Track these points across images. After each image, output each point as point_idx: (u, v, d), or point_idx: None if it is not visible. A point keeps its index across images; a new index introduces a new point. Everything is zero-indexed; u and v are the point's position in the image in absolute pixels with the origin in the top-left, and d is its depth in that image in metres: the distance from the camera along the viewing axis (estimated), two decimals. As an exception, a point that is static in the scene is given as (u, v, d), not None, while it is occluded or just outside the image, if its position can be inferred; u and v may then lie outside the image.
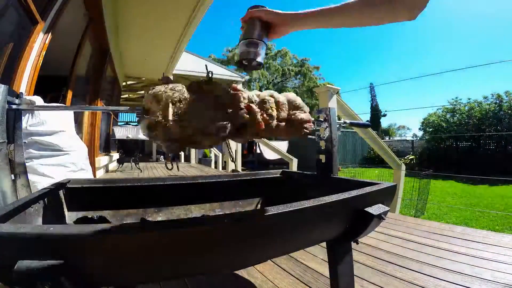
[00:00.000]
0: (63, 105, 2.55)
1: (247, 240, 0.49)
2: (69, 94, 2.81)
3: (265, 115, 0.68)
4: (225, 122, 0.59)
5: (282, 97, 0.74)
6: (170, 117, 0.52)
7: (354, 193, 0.62)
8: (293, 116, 0.74)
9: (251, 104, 0.65)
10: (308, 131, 0.78)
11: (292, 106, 0.76)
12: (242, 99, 0.64)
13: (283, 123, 0.72)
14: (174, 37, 4.47)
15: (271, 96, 0.72)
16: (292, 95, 0.78)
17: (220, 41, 62.28)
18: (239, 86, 0.66)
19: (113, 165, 5.65)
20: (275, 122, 0.70)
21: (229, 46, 24.41)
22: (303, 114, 0.77)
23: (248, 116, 0.64)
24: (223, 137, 0.61)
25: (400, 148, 14.90)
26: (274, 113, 0.70)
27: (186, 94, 0.57)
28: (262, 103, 0.68)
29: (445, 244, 1.39)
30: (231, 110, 0.61)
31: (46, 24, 1.85)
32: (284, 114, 0.73)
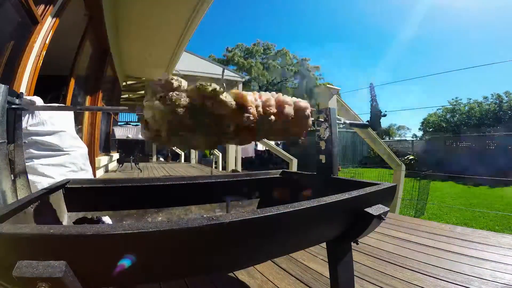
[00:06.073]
0: (63, 105, 2.55)
1: (247, 240, 0.49)
2: (69, 94, 2.81)
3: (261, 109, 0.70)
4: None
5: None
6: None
7: (354, 193, 0.61)
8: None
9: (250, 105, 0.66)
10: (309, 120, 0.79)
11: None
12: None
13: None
14: (175, 37, 4.46)
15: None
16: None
17: (220, 41, 62.19)
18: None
19: (113, 165, 5.64)
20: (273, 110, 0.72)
21: (229, 46, 24.48)
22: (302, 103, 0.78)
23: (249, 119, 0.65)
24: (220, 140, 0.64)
25: (400, 148, 14.90)
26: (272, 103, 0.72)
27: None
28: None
29: (445, 244, 1.39)
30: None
31: (46, 24, 1.85)
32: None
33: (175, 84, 0.59)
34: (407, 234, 1.57)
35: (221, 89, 0.62)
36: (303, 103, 0.79)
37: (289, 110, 0.74)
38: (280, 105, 0.73)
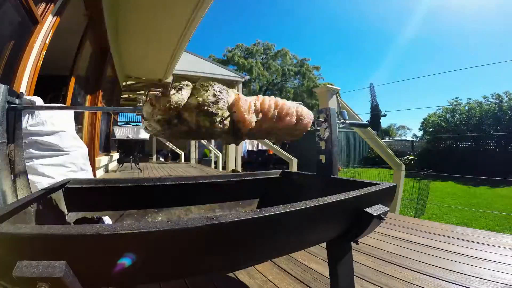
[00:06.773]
0: (63, 105, 2.55)
1: (247, 240, 0.49)
2: (69, 94, 2.81)
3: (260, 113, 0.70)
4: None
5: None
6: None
7: (354, 193, 0.61)
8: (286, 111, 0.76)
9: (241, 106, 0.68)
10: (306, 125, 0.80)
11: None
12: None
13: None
14: (175, 37, 4.46)
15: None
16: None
17: (220, 41, 62.17)
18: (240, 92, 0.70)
19: (113, 165, 5.64)
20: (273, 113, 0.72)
21: (229, 46, 24.51)
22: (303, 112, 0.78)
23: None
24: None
25: (400, 148, 14.90)
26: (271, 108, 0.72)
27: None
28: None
29: (445, 244, 1.39)
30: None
31: (46, 24, 1.85)
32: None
33: (172, 113, 0.62)
34: (407, 234, 1.57)
35: (221, 123, 0.63)
36: (305, 120, 0.78)
37: (288, 129, 0.76)
38: (282, 123, 0.74)
